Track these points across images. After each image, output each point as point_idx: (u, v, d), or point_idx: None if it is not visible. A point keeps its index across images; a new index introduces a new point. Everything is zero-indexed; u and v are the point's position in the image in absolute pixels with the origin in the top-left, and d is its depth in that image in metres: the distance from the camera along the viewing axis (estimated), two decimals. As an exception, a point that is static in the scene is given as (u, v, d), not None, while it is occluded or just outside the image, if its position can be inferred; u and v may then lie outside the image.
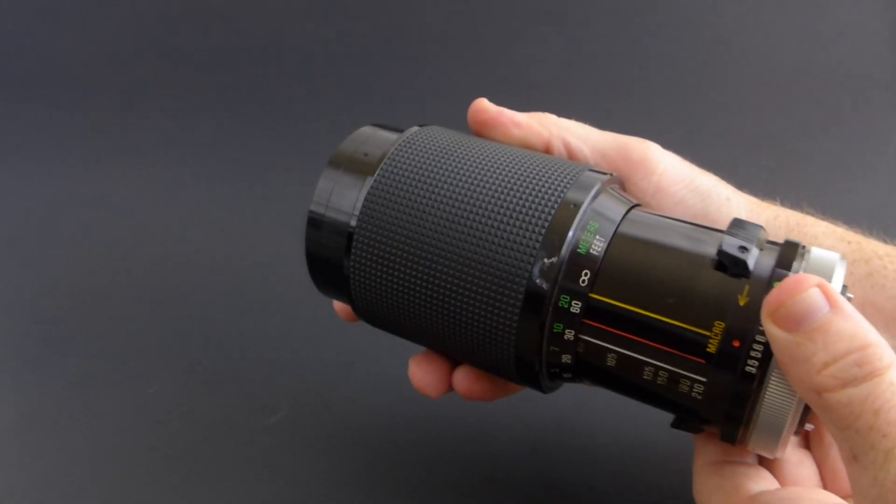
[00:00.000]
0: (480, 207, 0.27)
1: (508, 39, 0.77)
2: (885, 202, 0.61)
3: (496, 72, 0.75)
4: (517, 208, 0.27)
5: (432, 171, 0.29)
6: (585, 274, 0.26)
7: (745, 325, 0.23)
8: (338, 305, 0.36)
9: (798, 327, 0.22)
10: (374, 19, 0.78)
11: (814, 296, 0.22)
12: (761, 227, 0.25)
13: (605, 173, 0.28)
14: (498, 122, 0.32)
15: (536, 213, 0.27)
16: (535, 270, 0.26)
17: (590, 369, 0.27)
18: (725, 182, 0.33)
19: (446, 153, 0.30)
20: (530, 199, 0.27)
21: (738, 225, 0.25)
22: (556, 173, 0.28)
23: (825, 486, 0.28)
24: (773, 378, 0.23)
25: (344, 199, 0.30)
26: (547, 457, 0.40)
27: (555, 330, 0.26)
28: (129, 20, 0.78)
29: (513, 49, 0.77)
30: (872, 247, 0.32)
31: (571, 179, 0.27)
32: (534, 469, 0.39)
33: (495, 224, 0.27)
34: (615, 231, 0.26)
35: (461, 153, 0.30)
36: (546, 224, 0.26)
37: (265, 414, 0.43)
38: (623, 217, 0.27)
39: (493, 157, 0.29)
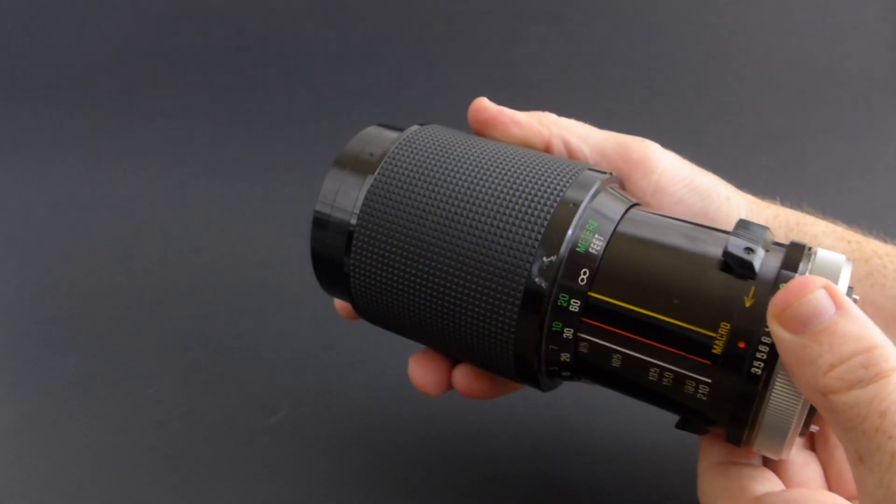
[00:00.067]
0: (480, 206, 0.27)
1: (509, 39, 0.77)
2: (885, 202, 0.61)
3: (496, 71, 0.75)
4: (516, 207, 0.27)
5: (432, 170, 0.29)
6: (584, 273, 0.26)
7: (751, 327, 0.23)
8: (339, 303, 0.36)
9: (804, 329, 0.22)
10: (375, 19, 0.78)
11: (820, 297, 0.22)
12: (767, 228, 0.25)
13: (604, 172, 0.28)
14: (498, 121, 0.33)
15: (536, 212, 0.27)
16: (535, 269, 0.26)
17: (593, 369, 0.27)
18: (725, 181, 0.33)
19: (446, 152, 0.30)
20: (530, 197, 0.27)
21: (743, 226, 0.25)
22: (555, 172, 0.28)
23: (830, 488, 0.28)
24: (778, 379, 0.23)
25: (346, 198, 0.30)
26: (547, 456, 0.40)
27: (554, 328, 0.26)
28: (129, 20, 0.78)
29: (513, 49, 0.77)
30: (872, 246, 0.32)
31: (571, 178, 0.27)
32: (534, 468, 0.39)
33: (495, 222, 0.27)
34: (614, 230, 0.26)
35: (461, 152, 0.30)
36: (545, 223, 0.26)
37: (265, 414, 0.43)
38: (622, 216, 0.27)
39: (492, 156, 0.29)
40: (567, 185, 0.27)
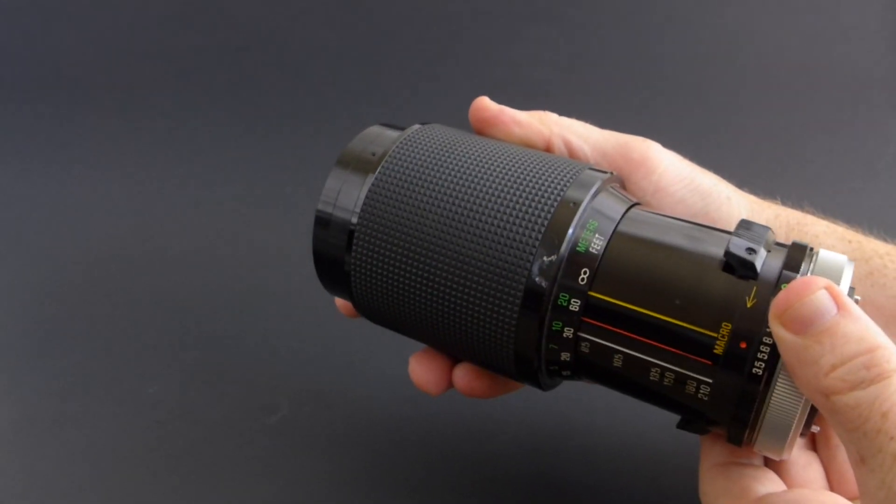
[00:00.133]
0: (480, 205, 0.27)
1: (510, 39, 0.77)
2: (885, 202, 0.61)
3: (498, 70, 0.75)
4: (517, 206, 0.27)
5: (433, 169, 0.29)
6: (584, 272, 0.26)
7: (753, 327, 0.23)
8: (340, 301, 0.36)
9: (806, 330, 0.22)
10: (376, 19, 0.78)
11: (822, 298, 0.22)
12: (769, 228, 0.25)
13: (605, 172, 0.28)
14: (499, 120, 0.33)
15: (536, 212, 0.27)
16: (535, 268, 0.26)
17: (593, 369, 0.27)
18: (726, 181, 0.33)
19: (447, 151, 0.30)
20: (530, 197, 0.27)
21: (745, 226, 0.25)
22: (556, 172, 0.28)
23: (832, 488, 0.28)
24: (779, 380, 0.23)
25: (348, 197, 0.30)
26: (547, 456, 0.40)
27: (554, 328, 0.26)
28: (130, 20, 0.78)
29: (514, 48, 0.77)
30: (873, 246, 0.32)
31: (571, 178, 0.27)
32: (534, 468, 0.39)
33: (495, 222, 0.27)
34: (615, 229, 0.26)
35: (462, 151, 0.30)
36: (546, 222, 0.26)
37: (265, 414, 0.43)
38: (623, 216, 0.27)
39: (493, 155, 0.29)
40: (568, 184, 0.27)
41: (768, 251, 0.25)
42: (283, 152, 0.67)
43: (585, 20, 0.78)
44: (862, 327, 0.21)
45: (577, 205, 0.26)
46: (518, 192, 0.27)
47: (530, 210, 0.27)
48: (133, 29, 0.78)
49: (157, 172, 0.65)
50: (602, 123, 0.34)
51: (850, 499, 0.25)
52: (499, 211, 0.27)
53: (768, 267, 0.24)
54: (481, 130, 0.33)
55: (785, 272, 0.24)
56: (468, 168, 0.29)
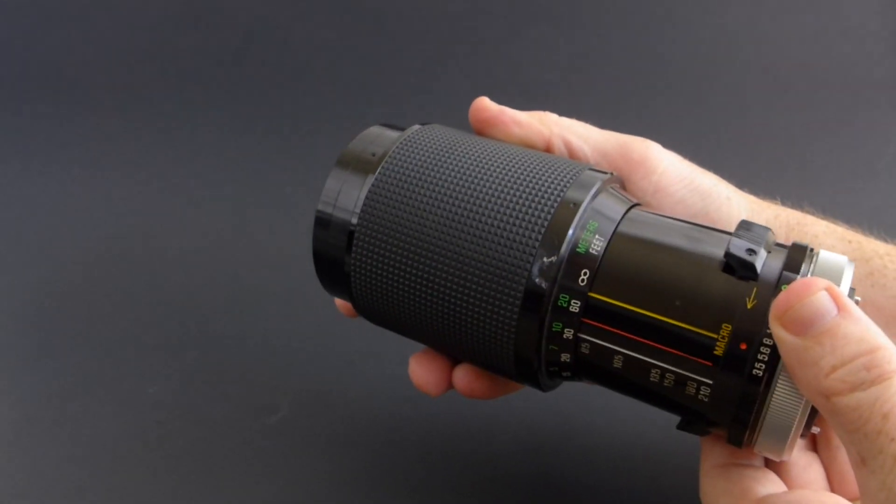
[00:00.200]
0: (480, 206, 0.27)
1: (510, 39, 0.77)
2: (885, 202, 0.61)
3: (498, 71, 0.75)
4: (517, 207, 0.27)
5: (433, 170, 0.29)
6: (584, 273, 0.26)
7: (753, 328, 0.23)
8: (340, 301, 0.36)
9: (806, 331, 0.22)
10: (376, 19, 0.78)
11: (822, 299, 0.22)
12: (769, 229, 0.25)
13: (605, 172, 0.28)
14: (499, 120, 0.33)
15: (536, 212, 0.27)
16: (535, 269, 0.26)
17: (594, 370, 0.27)
18: (726, 181, 0.33)
19: (447, 151, 0.30)
20: (530, 197, 0.27)
21: (745, 227, 0.25)
22: (556, 172, 0.28)
23: (833, 489, 0.28)
24: (780, 381, 0.23)
25: (348, 197, 0.30)
26: (547, 456, 0.40)
27: (554, 329, 0.26)
28: (130, 21, 0.78)
29: (514, 48, 0.77)
30: (873, 246, 0.32)
31: (571, 178, 0.27)
32: (534, 468, 0.39)
33: (495, 223, 0.27)
34: (615, 230, 0.26)
35: (462, 151, 0.30)
36: (546, 223, 0.26)
37: (265, 414, 0.43)
38: (623, 216, 0.27)
39: (493, 156, 0.29)
40: (568, 185, 0.27)
41: (768, 252, 0.25)
42: (283, 152, 0.67)
43: (585, 20, 0.78)
44: (862, 328, 0.21)
45: (577, 205, 0.26)
46: (518, 193, 0.27)
47: (530, 211, 0.27)
48: (133, 29, 0.78)
49: (157, 172, 0.65)
50: (602, 124, 0.34)
51: (850, 500, 0.25)
52: (499, 211, 0.27)
53: (768, 268, 0.24)
54: (481, 131, 0.33)
55: (785, 273, 0.24)
56: (468, 168, 0.29)
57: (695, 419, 0.26)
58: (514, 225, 0.27)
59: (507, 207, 0.27)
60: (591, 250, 0.26)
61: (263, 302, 0.51)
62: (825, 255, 0.25)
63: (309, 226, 0.31)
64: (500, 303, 0.27)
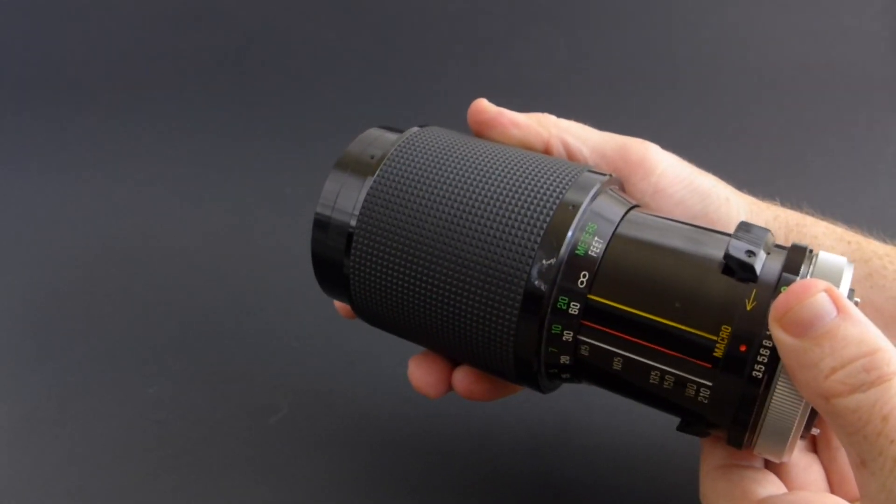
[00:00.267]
0: (479, 208, 0.27)
1: (509, 40, 0.77)
2: (885, 202, 0.61)
3: (496, 72, 0.75)
4: (516, 209, 0.27)
5: (432, 172, 0.29)
6: (584, 275, 0.26)
7: (752, 330, 0.23)
8: (338, 303, 0.36)
9: (806, 332, 0.22)
10: (376, 21, 0.78)
11: (821, 301, 0.22)
12: (768, 230, 0.25)
13: (604, 174, 0.28)
14: (497, 122, 0.33)
15: (535, 214, 0.27)
16: (534, 272, 0.26)
17: (593, 372, 0.27)
18: (725, 182, 0.33)
19: (446, 154, 0.30)
20: (529, 199, 0.27)
21: (744, 228, 0.25)
22: (555, 174, 0.28)
23: (833, 490, 0.28)
24: (779, 383, 0.23)
25: (347, 199, 0.30)
26: (547, 456, 0.40)
27: (553, 331, 0.26)
28: (129, 21, 0.78)
29: (513, 50, 0.77)
30: (872, 247, 0.32)
31: (570, 180, 0.27)
32: (534, 468, 0.39)
33: (494, 225, 0.27)
34: (614, 232, 0.26)
35: (461, 154, 0.30)
36: (545, 225, 0.26)
37: (265, 414, 0.43)
38: (622, 218, 0.27)
39: (492, 158, 0.29)
40: (567, 187, 0.27)
41: (768, 253, 0.25)
42: (282, 153, 0.67)
43: (584, 21, 0.78)
44: (862, 330, 0.21)
45: (576, 207, 0.26)
46: (517, 195, 0.27)
47: (529, 213, 0.27)
48: (133, 30, 0.78)
49: (157, 173, 0.65)
50: (600, 125, 0.34)
51: (851, 501, 0.25)
52: (498, 214, 0.27)
53: (768, 269, 0.24)
54: (480, 132, 0.33)
55: (784, 275, 0.24)
56: (467, 170, 0.29)
57: (694, 421, 0.26)
58: (513, 227, 0.27)
59: (506, 209, 0.27)
60: (590, 252, 0.26)
61: (263, 302, 0.51)
62: (824, 257, 0.25)
63: (309, 226, 0.31)
64: (499, 305, 0.27)
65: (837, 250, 0.31)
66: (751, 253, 0.24)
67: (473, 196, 0.28)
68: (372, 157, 0.30)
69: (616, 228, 0.27)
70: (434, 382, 0.32)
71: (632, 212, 0.28)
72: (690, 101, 0.72)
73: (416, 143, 0.30)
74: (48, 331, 0.49)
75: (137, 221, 0.59)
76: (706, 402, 0.24)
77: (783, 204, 0.34)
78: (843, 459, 0.28)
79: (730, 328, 0.23)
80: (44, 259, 0.55)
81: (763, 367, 0.23)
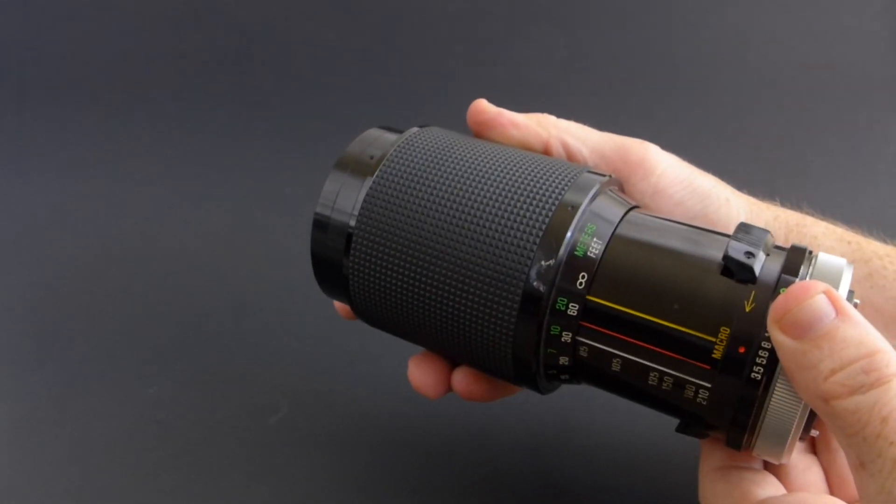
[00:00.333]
0: (478, 208, 0.27)
1: (509, 40, 0.77)
2: (885, 202, 0.61)
3: (496, 73, 0.75)
4: (515, 210, 0.27)
5: (431, 172, 0.29)
6: (583, 276, 0.26)
7: (751, 331, 0.23)
8: (338, 304, 0.36)
9: (804, 334, 0.21)
10: (376, 21, 0.78)
11: (820, 302, 0.22)
12: (768, 231, 0.25)
13: (603, 175, 0.28)
14: (497, 122, 0.32)
15: (534, 215, 0.27)
16: (533, 273, 0.26)
17: (592, 373, 0.27)
18: (725, 183, 0.33)
19: (445, 154, 0.30)
20: (528, 200, 0.27)
21: (744, 229, 0.25)
22: (554, 175, 0.28)
23: (832, 492, 0.28)
24: (778, 384, 0.23)
25: (346, 200, 0.30)
26: (547, 456, 0.40)
27: (552, 332, 0.26)
28: (129, 21, 0.78)
29: (513, 50, 0.77)
30: (872, 247, 0.32)
31: (570, 181, 0.27)
32: (534, 468, 0.39)
33: (493, 225, 0.27)
34: (613, 233, 0.26)
35: (460, 154, 0.30)
36: (544, 226, 0.26)
37: (265, 414, 0.43)
38: (621, 219, 0.27)
39: (491, 158, 0.29)
40: (566, 187, 0.27)
41: (767, 255, 0.24)
42: (283, 153, 0.67)
43: (584, 22, 0.78)
44: (861, 331, 0.21)
45: (575, 208, 0.26)
46: (516, 196, 0.27)
47: (528, 213, 0.27)
48: (133, 30, 0.78)
49: (156, 173, 0.65)
50: (601, 125, 0.34)
51: (850, 502, 0.25)
52: (497, 214, 0.27)
53: (767, 271, 0.24)
54: (479, 133, 0.33)
55: (784, 276, 0.24)
56: (466, 171, 0.29)
57: (693, 422, 0.26)
58: (512, 228, 0.27)
59: (505, 210, 0.27)
60: (589, 253, 0.26)
61: (263, 302, 0.51)
62: (824, 258, 0.25)
63: (309, 226, 0.31)
64: (498, 306, 0.27)
65: (837, 251, 0.31)
66: (750, 254, 0.24)
67: (473, 196, 0.28)
68: (371, 158, 0.30)
69: (615, 229, 0.27)
70: (433, 383, 0.32)
71: (631, 213, 0.28)
72: (690, 101, 0.72)
73: (416, 144, 0.30)
74: (48, 331, 0.49)
75: (137, 221, 0.59)
76: (705, 403, 0.24)
77: (783, 204, 0.34)
78: (842, 461, 0.28)
79: (729, 329, 0.23)
80: (44, 259, 0.55)
81: (762, 369, 0.23)
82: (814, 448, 0.30)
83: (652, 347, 0.25)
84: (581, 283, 0.26)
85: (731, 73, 0.74)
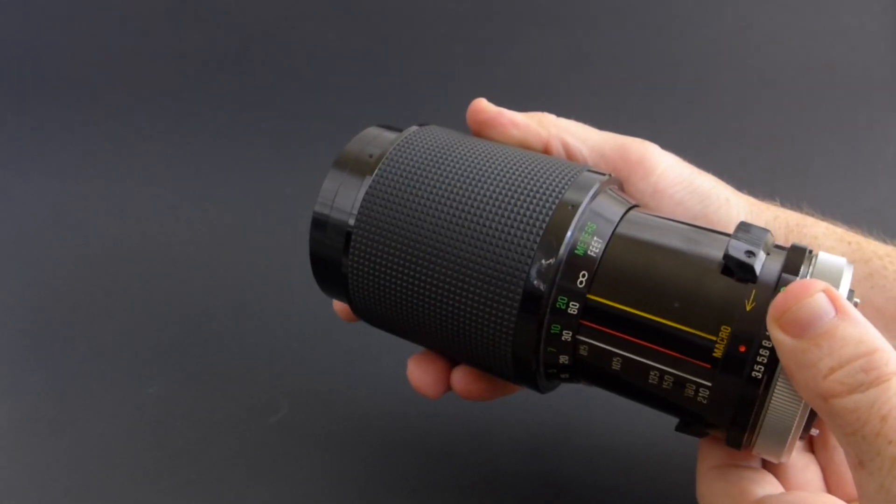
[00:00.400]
0: (478, 207, 0.27)
1: (509, 40, 0.77)
2: (885, 202, 0.61)
3: (496, 72, 0.75)
4: (515, 209, 0.27)
5: (430, 171, 0.29)
6: (583, 275, 0.26)
7: (752, 330, 0.23)
8: (337, 305, 0.36)
9: (804, 333, 0.22)
10: (375, 20, 0.78)
11: (819, 301, 0.22)
12: (768, 231, 0.25)
13: (603, 174, 0.28)
14: (497, 122, 0.32)
15: (534, 214, 0.27)
16: (533, 271, 0.26)
17: (592, 371, 0.27)
18: (725, 183, 0.33)
19: (445, 153, 0.30)
20: (528, 199, 0.27)
21: (744, 229, 0.25)
22: (554, 174, 0.28)
23: (829, 490, 0.28)
24: (779, 383, 0.23)
25: (345, 199, 0.30)
26: (547, 456, 0.40)
27: (552, 331, 0.26)
28: (129, 21, 0.78)
29: (513, 49, 0.77)
30: (872, 247, 0.32)
31: (570, 180, 0.27)
32: (534, 468, 0.39)
33: (493, 224, 0.27)
34: (613, 232, 0.26)
35: (460, 153, 0.30)
36: (544, 225, 0.26)
37: (265, 414, 0.43)
38: (621, 218, 0.27)
39: (491, 157, 0.29)
40: (566, 186, 0.27)
41: (767, 254, 0.25)
42: (283, 153, 0.67)
43: (584, 21, 0.78)
44: (860, 330, 0.21)
45: (575, 207, 0.26)
46: (516, 195, 0.27)
47: (528, 212, 0.27)
48: (133, 30, 0.78)
49: (156, 173, 0.65)
50: (601, 125, 0.34)
51: (847, 501, 0.25)
52: (497, 213, 0.27)
53: (767, 270, 0.24)
54: (479, 132, 0.33)
55: (784, 275, 0.24)
56: (466, 170, 0.29)
57: (693, 421, 0.26)
58: (512, 227, 0.27)
59: (505, 209, 0.27)
60: (589, 252, 0.26)
61: (263, 302, 0.51)
62: (824, 257, 0.25)
63: (309, 226, 0.31)
64: (498, 305, 0.27)
65: (838, 251, 0.31)
66: (750, 253, 0.24)
67: (472, 195, 0.28)
68: (371, 156, 0.30)
69: (615, 228, 0.27)
70: (433, 382, 0.32)
71: (631, 212, 0.28)
72: (691, 100, 0.72)
73: (415, 142, 0.30)
74: (48, 331, 0.49)
75: (137, 221, 0.59)
76: (705, 402, 0.24)
77: (783, 204, 0.34)
78: (840, 459, 0.28)
79: (729, 328, 0.23)
80: (44, 259, 0.55)
81: (762, 368, 0.23)
82: (812, 447, 0.30)
83: (652, 346, 0.25)
84: (581, 282, 0.26)
85: (732, 73, 0.74)
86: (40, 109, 0.72)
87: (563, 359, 0.27)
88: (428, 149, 0.30)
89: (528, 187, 0.27)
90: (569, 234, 0.26)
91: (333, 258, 0.30)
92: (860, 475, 0.21)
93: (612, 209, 0.27)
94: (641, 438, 0.40)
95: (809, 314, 0.22)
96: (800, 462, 0.28)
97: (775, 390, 0.23)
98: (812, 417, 0.24)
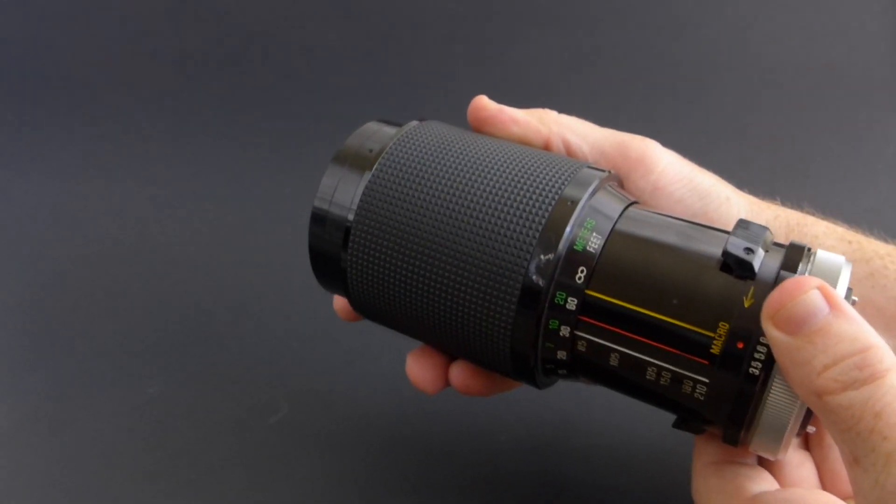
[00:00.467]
0: (477, 203, 0.27)
1: (510, 37, 0.77)
2: (885, 202, 0.61)
3: (497, 69, 0.75)
4: (514, 204, 0.27)
5: (430, 166, 0.29)
6: (581, 271, 0.26)
7: (750, 327, 0.23)
8: (337, 305, 0.36)
9: (798, 330, 0.22)
10: (375, 18, 0.78)
11: (814, 298, 0.22)
12: (767, 228, 0.25)
13: (603, 171, 0.28)
14: (497, 119, 0.32)
15: (534, 210, 0.27)
16: (532, 267, 0.26)
17: (590, 367, 0.27)
18: (725, 181, 0.33)
19: (445, 148, 0.30)
20: (528, 195, 0.27)
21: (743, 226, 0.25)
22: (554, 170, 0.28)
23: (824, 487, 0.29)
24: (776, 380, 0.23)
25: (344, 193, 0.30)
26: (547, 455, 0.40)
27: (550, 326, 0.26)
28: (127, 20, 0.78)
29: (514, 46, 0.77)
30: (873, 247, 0.32)
31: (569, 176, 0.27)
32: (533, 467, 0.39)
33: (492, 220, 0.27)
34: (612, 228, 0.26)
35: (460, 148, 0.30)
36: (543, 220, 0.26)
37: (265, 414, 0.43)
38: (621, 214, 0.27)
39: (491, 153, 0.29)
40: (566, 182, 0.27)
41: (766, 251, 0.25)
42: (283, 153, 0.67)
43: (585, 19, 0.78)
44: (855, 327, 0.21)
45: (574, 203, 0.26)
46: (516, 190, 0.27)
47: (528, 208, 0.27)
48: (132, 29, 0.78)
49: (155, 172, 0.65)
50: (601, 122, 0.34)
51: (842, 498, 0.25)
52: (496, 209, 0.27)
53: (766, 267, 0.24)
54: (480, 129, 0.33)
55: (782, 272, 0.24)
56: (466, 165, 0.29)
57: (690, 417, 0.26)
58: (511, 222, 0.27)
59: (505, 205, 0.27)
60: (588, 248, 0.26)
61: (263, 302, 0.51)
62: (822, 255, 0.25)
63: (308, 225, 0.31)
64: (496, 300, 0.27)
65: (838, 250, 0.31)
66: (749, 250, 0.24)
67: (472, 191, 0.28)
68: (370, 151, 0.30)
69: (614, 224, 0.27)
70: (431, 378, 0.32)
71: (630, 208, 0.28)
72: (691, 99, 0.72)
73: (415, 138, 0.30)
74: (48, 331, 0.49)
75: (136, 221, 0.59)
76: (702, 398, 0.24)
77: (784, 203, 0.34)
78: (834, 456, 0.28)
79: (727, 325, 0.23)
80: (44, 259, 0.55)
81: (760, 365, 0.23)
82: (807, 444, 0.30)
83: (650, 342, 0.25)
84: (580, 278, 0.26)
85: (732, 73, 0.74)
86: (40, 109, 0.72)
87: (561, 354, 0.27)
88: (428, 144, 0.30)
89: (528, 183, 0.27)
90: (568, 229, 0.26)
91: (332, 253, 0.30)
92: (855, 472, 0.21)
93: (611, 205, 0.27)
94: (641, 437, 0.40)
95: (803, 311, 0.22)
96: (795, 459, 0.28)
97: (772, 387, 0.23)
98: (809, 415, 0.24)
